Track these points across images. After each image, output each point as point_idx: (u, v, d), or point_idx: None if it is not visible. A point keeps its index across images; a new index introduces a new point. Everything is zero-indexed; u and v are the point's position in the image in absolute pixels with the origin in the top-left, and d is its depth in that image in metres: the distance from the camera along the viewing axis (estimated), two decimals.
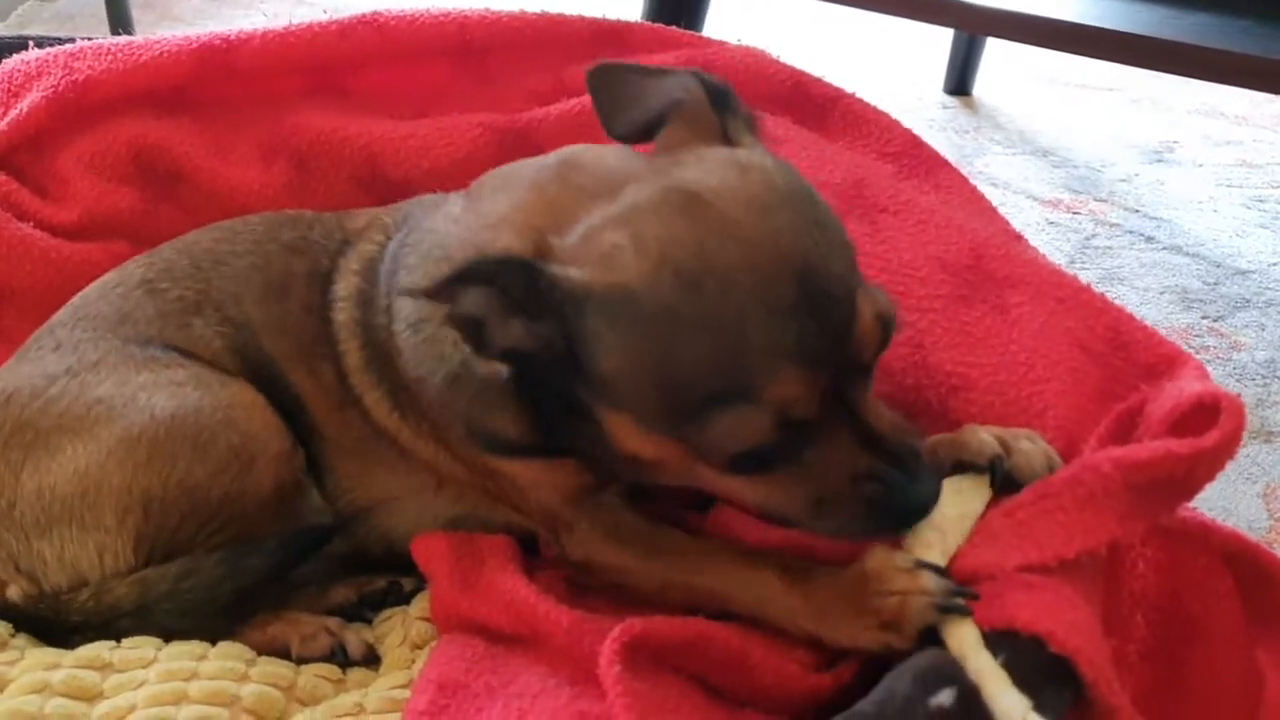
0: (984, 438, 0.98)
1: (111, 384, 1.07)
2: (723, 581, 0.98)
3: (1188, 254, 2.36)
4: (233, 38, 1.44)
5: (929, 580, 0.88)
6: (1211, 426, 0.91)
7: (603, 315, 0.86)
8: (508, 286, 0.87)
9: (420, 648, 1.08)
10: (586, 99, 1.37)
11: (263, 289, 1.17)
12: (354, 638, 1.09)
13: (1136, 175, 2.70)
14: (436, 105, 1.46)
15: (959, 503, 0.95)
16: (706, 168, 0.90)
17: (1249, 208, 2.57)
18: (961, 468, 0.98)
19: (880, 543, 0.93)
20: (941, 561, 0.91)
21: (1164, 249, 2.36)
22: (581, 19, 1.48)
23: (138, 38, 1.48)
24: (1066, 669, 0.85)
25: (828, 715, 0.96)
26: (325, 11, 1.49)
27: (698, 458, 0.89)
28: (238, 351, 1.15)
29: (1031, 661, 0.85)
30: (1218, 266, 2.31)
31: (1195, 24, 1.87)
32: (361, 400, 1.13)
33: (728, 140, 0.96)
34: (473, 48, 1.48)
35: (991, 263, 1.14)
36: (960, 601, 0.87)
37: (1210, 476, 0.92)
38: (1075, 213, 2.50)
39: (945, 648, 0.85)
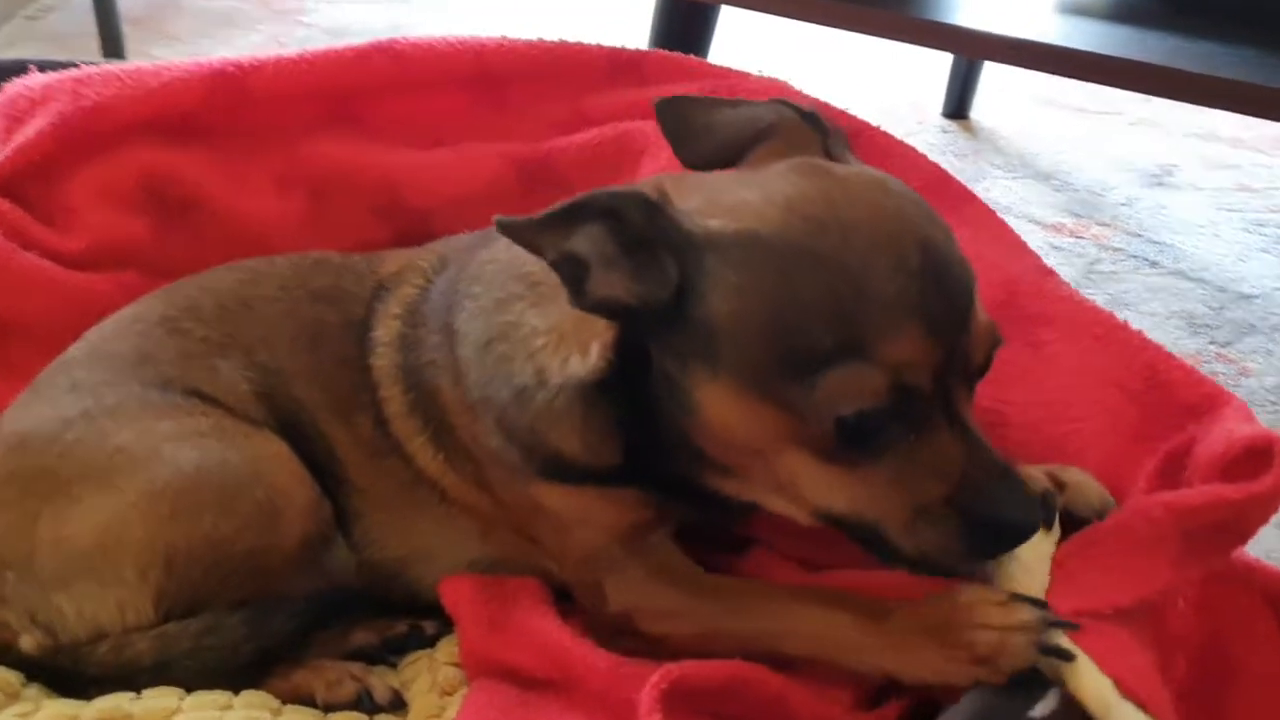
0: (1033, 473, 0.97)
1: (132, 432, 1.04)
2: (784, 621, 0.95)
3: (1192, 279, 2.35)
4: (245, 64, 1.42)
5: (1028, 613, 0.86)
6: (1262, 469, 0.90)
7: (724, 257, 0.83)
8: (627, 224, 0.84)
9: (450, 694, 1.06)
10: (608, 129, 1.37)
11: (292, 337, 1.15)
12: (380, 683, 1.06)
13: (1137, 199, 2.70)
14: (453, 134, 1.44)
15: (1032, 545, 0.92)
16: (825, 163, 0.92)
17: (1250, 232, 2.58)
18: None
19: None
20: (1037, 593, 0.88)
21: (1169, 274, 2.36)
22: (600, 48, 1.46)
23: (146, 63, 1.46)
24: None
25: None
26: (328, 34, 1.47)
27: (798, 429, 0.83)
28: (265, 397, 1.13)
29: None
30: (1222, 291, 2.31)
31: (1200, 51, 1.87)
32: (403, 447, 1.11)
33: (830, 157, 0.95)
34: (490, 77, 1.46)
35: (1024, 299, 1.12)
36: (1063, 639, 0.84)
37: (1264, 520, 0.91)
38: (1079, 237, 2.50)
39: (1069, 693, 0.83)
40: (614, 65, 1.46)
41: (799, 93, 1.41)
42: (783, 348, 0.82)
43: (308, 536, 1.08)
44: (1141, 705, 0.83)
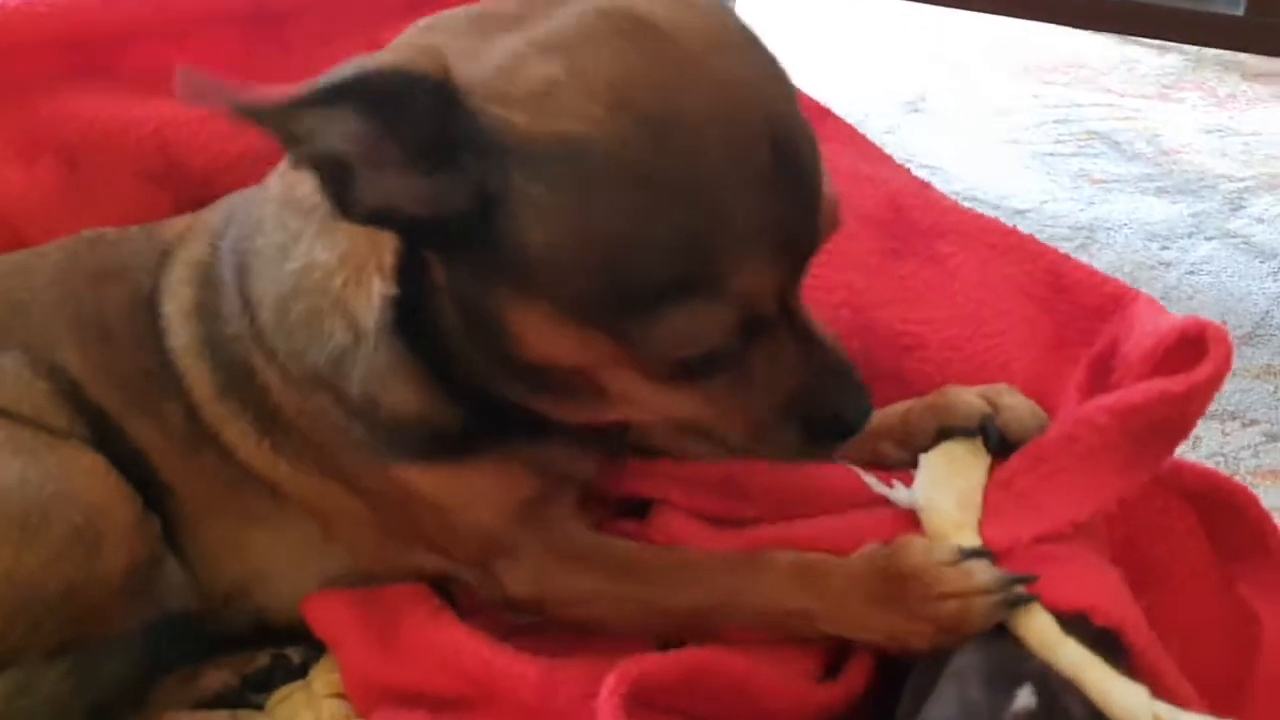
0: (969, 398, 0.90)
1: None
2: (717, 593, 0.85)
3: (968, 199, 2.38)
4: None
5: (985, 575, 0.79)
6: (1195, 358, 0.87)
7: (538, 172, 0.66)
8: (403, 114, 0.65)
9: None
10: None
11: (78, 329, 0.95)
12: None
13: (899, 126, 2.75)
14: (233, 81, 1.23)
15: (963, 472, 0.87)
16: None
17: (1008, 151, 2.67)
18: (946, 434, 0.90)
19: (900, 525, 0.85)
20: (977, 541, 0.82)
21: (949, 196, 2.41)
22: None
23: None
24: (1112, 641, 0.79)
25: None
26: None
27: (630, 360, 0.72)
28: (67, 402, 0.93)
29: (1077, 639, 0.78)
30: (997, 208, 2.36)
31: None
32: (220, 436, 0.93)
33: None
34: (266, 14, 1.26)
35: (913, 213, 1.06)
36: (1023, 590, 0.78)
37: (1202, 411, 0.88)
38: None
39: (1013, 640, 0.76)
40: None
41: None
42: (614, 282, 0.68)
43: (135, 561, 0.89)
44: (1119, 630, 0.79)
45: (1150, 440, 0.87)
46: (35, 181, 1.18)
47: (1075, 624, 0.78)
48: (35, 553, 0.83)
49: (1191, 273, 2.13)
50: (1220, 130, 2.81)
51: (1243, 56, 3.36)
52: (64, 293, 0.97)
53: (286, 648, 0.97)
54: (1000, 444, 0.89)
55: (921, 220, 1.05)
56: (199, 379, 0.93)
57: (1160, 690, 0.77)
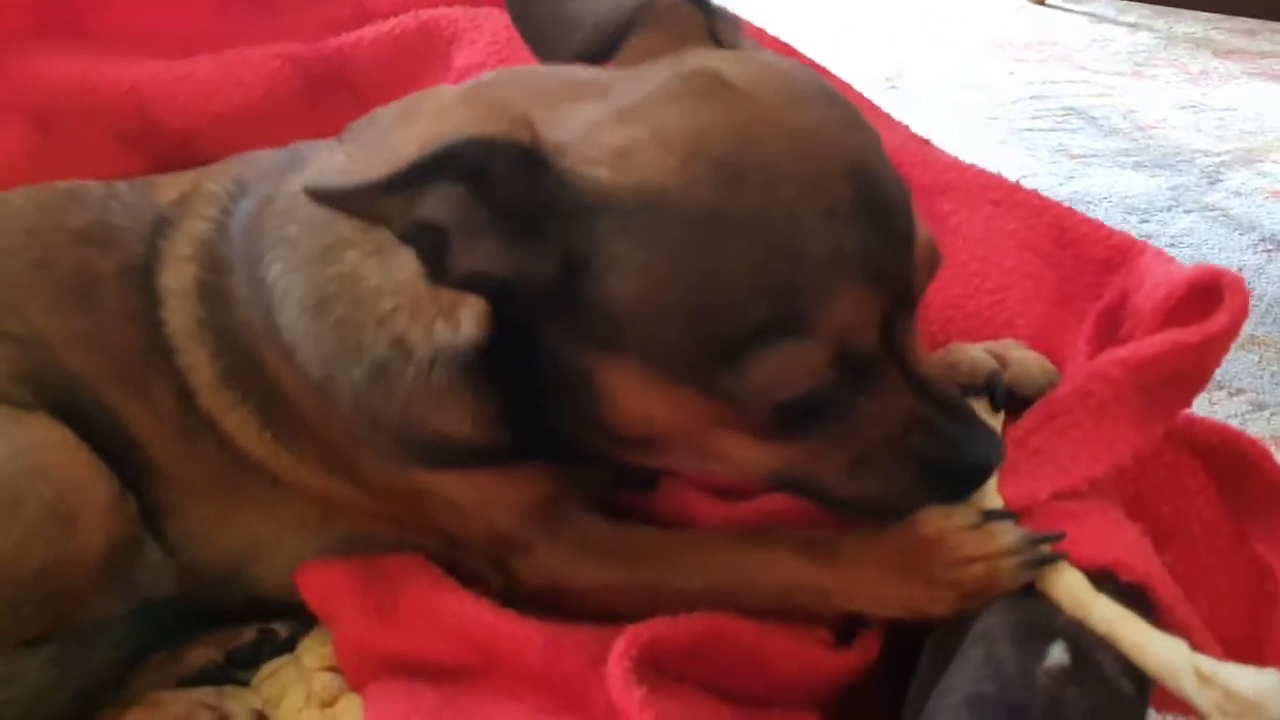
0: (975, 354, 0.88)
1: None
2: (728, 573, 0.81)
3: None
4: None
5: (1008, 535, 0.75)
6: (1209, 308, 0.84)
7: (622, 227, 0.66)
8: (495, 182, 0.65)
9: (330, 705, 0.86)
10: (407, 19, 1.16)
11: (53, 294, 0.89)
12: (239, 708, 0.86)
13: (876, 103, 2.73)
14: (210, 42, 1.19)
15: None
16: (719, 59, 0.72)
17: (986, 126, 2.66)
18: None
19: None
20: (997, 501, 0.79)
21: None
22: None
23: None
24: (1138, 597, 0.76)
25: (858, 699, 0.84)
26: None
27: (729, 415, 0.70)
28: (30, 377, 0.87)
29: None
30: None
31: None
32: (218, 425, 0.88)
33: (719, 44, 0.78)
34: None
35: (912, 171, 1.03)
36: (1047, 549, 0.74)
37: (1218, 362, 0.85)
38: None
39: (1040, 597, 0.74)
40: None
41: None
42: (702, 332, 0.67)
43: (112, 542, 0.85)
44: (1145, 585, 0.76)
45: (1165, 392, 0.84)
46: (6, 145, 1.14)
47: (1101, 581, 0.75)
48: (7, 533, 0.79)
49: (1172, 245, 2.12)
50: (1194, 106, 2.82)
51: (1213, 34, 3.38)
52: (37, 252, 0.91)
53: (273, 622, 0.93)
54: (1008, 400, 0.87)
55: (921, 178, 1.02)
56: (197, 363, 0.88)
57: None
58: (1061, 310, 0.95)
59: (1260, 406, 1.71)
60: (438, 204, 0.65)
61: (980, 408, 0.86)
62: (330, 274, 0.82)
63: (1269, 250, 2.09)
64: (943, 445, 0.73)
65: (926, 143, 1.08)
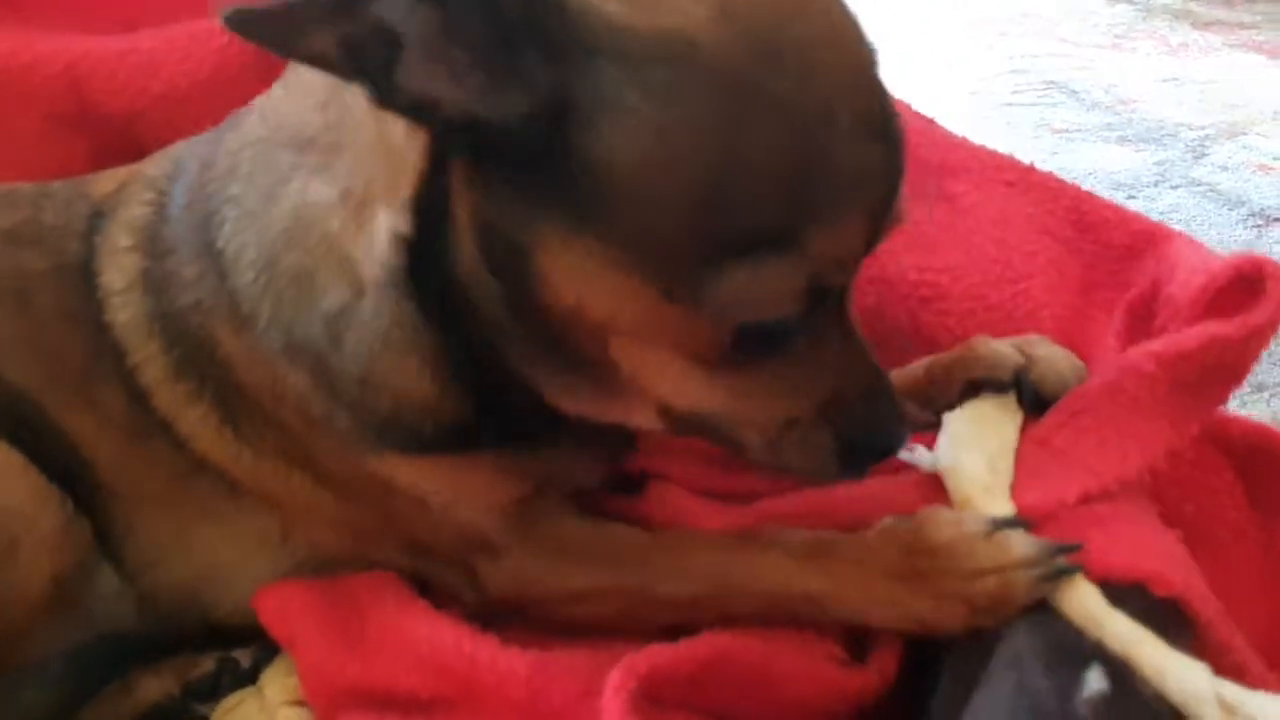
0: (999, 349, 0.81)
1: None
2: (716, 578, 0.75)
3: None
4: None
5: (1024, 546, 0.69)
6: (1249, 298, 0.78)
7: (635, 74, 0.56)
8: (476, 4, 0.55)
9: None
10: None
11: None
12: None
13: None
14: (150, 17, 1.09)
15: (993, 431, 0.78)
16: None
17: (968, 101, 2.61)
18: (973, 388, 0.81)
19: (922, 493, 0.76)
20: (1010, 508, 0.72)
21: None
22: None
23: None
24: (1173, 613, 0.70)
25: (875, 711, 0.77)
26: None
27: (677, 326, 0.62)
28: None
29: (1133, 613, 0.69)
30: None
31: None
32: (173, 425, 0.81)
33: None
34: None
35: (918, 150, 0.95)
36: (1065, 561, 0.68)
37: (1257, 355, 0.80)
38: None
39: (1057, 614, 0.67)
40: None
41: None
42: (703, 220, 0.58)
43: (60, 572, 0.78)
44: (1181, 600, 0.70)
45: (1201, 388, 0.78)
46: None
47: (1131, 595, 0.69)
48: None
49: (1161, 221, 2.07)
50: (1176, 79, 2.76)
51: (1192, 5, 3.33)
52: None
53: (234, 650, 0.85)
54: (1034, 399, 0.80)
55: (929, 157, 0.95)
56: (149, 360, 0.81)
57: (1227, 667, 0.69)
58: (1085, 300, 0.89)
59: (1260, 388, 1.65)
60: (400, 6, 0.55)
61: (1004, 406, 0.80)
62: (278, 214, 0.74)
63: (1259, 225, 2.04)
64: (859, 422, 0.68)
65: (932, 122, 1.01)
